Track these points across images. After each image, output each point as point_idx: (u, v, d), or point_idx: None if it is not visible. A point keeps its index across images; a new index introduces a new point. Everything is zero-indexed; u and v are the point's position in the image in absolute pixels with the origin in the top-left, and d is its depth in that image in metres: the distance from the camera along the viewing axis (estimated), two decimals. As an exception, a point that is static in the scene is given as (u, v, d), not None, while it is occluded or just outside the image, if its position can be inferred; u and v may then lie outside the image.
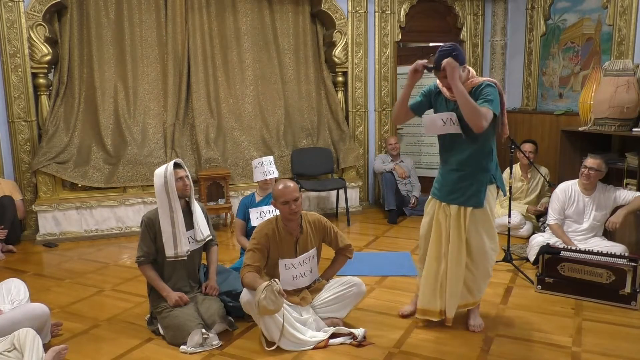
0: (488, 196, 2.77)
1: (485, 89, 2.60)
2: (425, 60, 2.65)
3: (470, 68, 2.71)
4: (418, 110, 2.85)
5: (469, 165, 2.71)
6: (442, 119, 2.68)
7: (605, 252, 3.37)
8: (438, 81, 2.74)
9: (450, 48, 2.58)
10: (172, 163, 2.93)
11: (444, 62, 2.51)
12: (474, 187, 2.72)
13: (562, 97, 5.55)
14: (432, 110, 2.85)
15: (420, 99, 2.85)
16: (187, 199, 3.02)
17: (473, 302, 2.92)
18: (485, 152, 2.72)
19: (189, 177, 3.00)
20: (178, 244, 2.90)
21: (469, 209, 2.73)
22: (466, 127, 2.59)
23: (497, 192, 2.92)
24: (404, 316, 3.07)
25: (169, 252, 2.89)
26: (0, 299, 2.76)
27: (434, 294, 2.87)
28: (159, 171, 2.92)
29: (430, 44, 6.66)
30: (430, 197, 2.93)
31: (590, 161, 3.72)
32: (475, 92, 2.60)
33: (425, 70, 2.65)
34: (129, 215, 5.09)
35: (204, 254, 3.19)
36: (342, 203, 5.60)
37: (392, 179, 5.49)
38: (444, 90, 2.72)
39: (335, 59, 5.82)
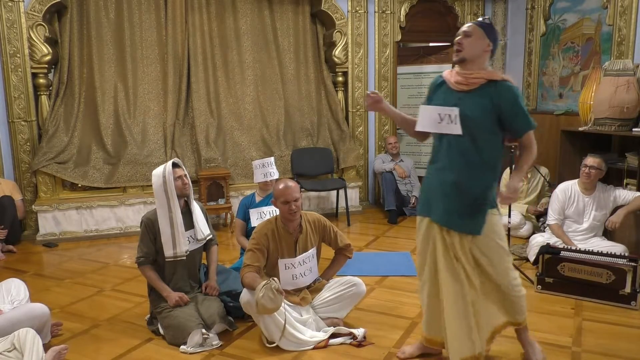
0: (493, 223, 2.31)
1: (518, 101, 2.20)
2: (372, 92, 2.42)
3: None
4: None
5: (468, 178, 2.25)
6: (439, 114, 2.24)
7: (605, 252, 3.37)
8: (446, 71, 2.36)
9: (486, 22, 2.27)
10: (170, 162, 2.94)
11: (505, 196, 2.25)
12: (474, 208, 2.27)
13: (562, 97, 5.55)
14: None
15: (428, 96, 2.44)
16: (186, 198, 3.02)
17: (512, 322, 2.50)
18: (489, 165, 2.27)
19: (188, 176, 3.00)
20: (177, 244, 2.90)
21: (469, 236, 2.29)
22: (470, 129, 2.21)
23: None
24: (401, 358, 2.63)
25: (168, 252, 2.90)
26: (0, 299, 2.76)
27: (438, 321, 2.44)
28: (157, 171, 2.92)
29: (430, 44, 6.67)
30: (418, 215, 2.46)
31: (591, 160, 3.72)
32: (498, 93, 2.19)
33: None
34: (129, 215, 5.09)
35: (204, 254, 3.20)
36: (342, 203, 5.60)
37: (392, 178, 5.49)
38: (449, 76, 2.31)
39: (335, 59, 5.82)
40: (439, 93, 2.35)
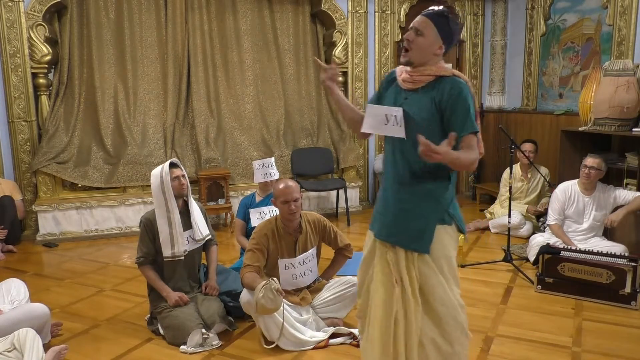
0: (442, 240, 1.95)
1: (462, 97, 1.84)
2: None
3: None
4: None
5: (413, 190, 1.96)
6: (386, 115, 1.92)
7: (605, 252, 3.37)
8: (399, 66, 2.04)
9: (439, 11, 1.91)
10: (167, 163, 2.94)
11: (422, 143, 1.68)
12: (417, 222, 1.95)
13: (562, 97, 5.55)
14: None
15: (378, 92, 2.14)
16: (184, 198, 3.02)
17: None
18: (438, 175, 1.93)
19: (186, 176, 3.00)
20: (175, 243, 2.90)
21: (415, 254, 1.95)
22: (413, 133, 1.84)
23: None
24: None
25: (166, 252, 2.90)
26: (0, 299, 2.76)
27: None
28: (155, 172, 2.94)
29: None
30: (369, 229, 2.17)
31: (590, 160, 3.72)
32: (442, 89, 1.87)
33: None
34: (129, 215, 5.09)
35: (203, 254, 3.20)
36: (342, 203, 5.60)
37: (392, 179, 5.49)
38: (399, 73, 2.02)
39: (336, 59, 5.82)
40: (390, 91, 2.05)
